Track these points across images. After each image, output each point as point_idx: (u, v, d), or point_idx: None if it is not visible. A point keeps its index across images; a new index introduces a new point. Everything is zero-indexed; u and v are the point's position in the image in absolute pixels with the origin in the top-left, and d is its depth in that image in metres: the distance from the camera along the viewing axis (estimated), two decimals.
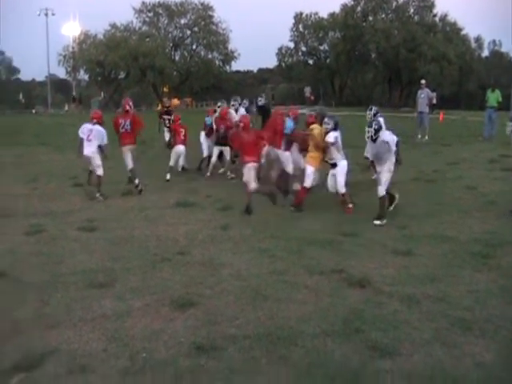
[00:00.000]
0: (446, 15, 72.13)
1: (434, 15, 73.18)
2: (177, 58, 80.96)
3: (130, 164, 13.34)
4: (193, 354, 5.23)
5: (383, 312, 6.14)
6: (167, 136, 17.58)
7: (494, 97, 23.84)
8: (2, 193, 13.38)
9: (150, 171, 15.53)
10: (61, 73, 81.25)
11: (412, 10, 74.05)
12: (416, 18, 73.18)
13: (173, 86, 75.14)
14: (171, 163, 14.91)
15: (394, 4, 73.86)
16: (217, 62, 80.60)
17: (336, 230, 9.59)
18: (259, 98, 19.56)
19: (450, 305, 6.33)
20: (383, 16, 74.40)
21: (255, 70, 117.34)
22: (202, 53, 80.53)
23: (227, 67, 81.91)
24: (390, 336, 5.54)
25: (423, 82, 25.07)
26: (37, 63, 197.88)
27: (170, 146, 15.51)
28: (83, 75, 78.31)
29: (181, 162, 15.76)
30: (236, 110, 16.95)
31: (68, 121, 36.62)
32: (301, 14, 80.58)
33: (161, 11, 78.44)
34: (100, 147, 12.55)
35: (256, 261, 8.00)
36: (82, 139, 12.55)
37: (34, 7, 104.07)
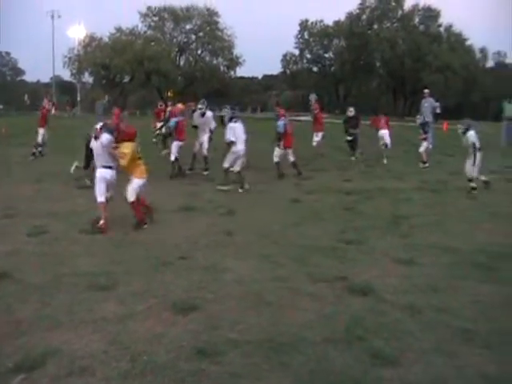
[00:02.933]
0: (451, 26, 72.53)
1: (439, 25, 73.40)
2: (182, 62, 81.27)
3: None
4: (194, 357, 5.21)
5: (385, 321, 6.11)
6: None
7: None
8: (6, 193, 13.41)
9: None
10: (66, 75, 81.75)
11: (417, 20, 74.24)
12: (421, 27, 73.35)
13: (177, 91, 75.26)
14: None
15: (400, 13, 74.04)
16: (222, 68, 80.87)
17: (339, 238, 9.58)
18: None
19: (453, 315, 6.28)
20: (388, 25, 74.57)
21: (260, 77, 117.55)
22: (207, 58, 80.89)
23: (232, 73, 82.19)
24: (392, 345, 5.51)
25: (426, 91, 25.18)
26: (42, 65, 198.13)
27: None
28: (88, 78, 78.81)
29: None
30: (203, 114, 17.08)
31: (70, 123, 36.68)
32: (306, 21, 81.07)
33: (166, 16, 78.97)
34: None
35: (259, 267, 7.97)
36: None
37: (41, 9, 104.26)
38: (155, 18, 79.11)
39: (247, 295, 6.80)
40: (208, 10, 78.17)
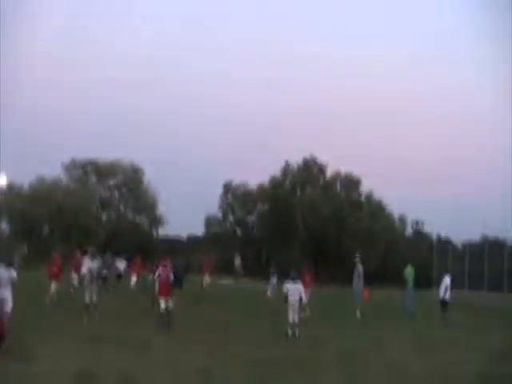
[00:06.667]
0: (371, 194, 74.68)
1: (360, 193, 75.82)
2: (104, 217, 79.73)
3: None
4: None
5: None
6: None
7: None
8: None
9: None
10: None
11: (339, 187, 76.55)
12: (343, 194, 75.55)
13: (99, 247, 73.31)
14: None
15: (322, 180, 76.28)
16: (145, 226, 79.88)
17: None
18: None
19: None
20: (311, 191, 76.38)
21: (185, 235, 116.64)
22: (130, 215, 79.83)
23: (154, 231, 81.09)
24: None
25: (357, 259, 25.00)
26: None
27: None
28: (5, 226, 76.02)
29: None
30: None
31: None
32: (230, 182, 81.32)
33: (90, 169, 78.08)
34: None
35: None
36: None
37: None
38: (78, 171, 78.21)
39: None
40: (132, 166, 78.09)
